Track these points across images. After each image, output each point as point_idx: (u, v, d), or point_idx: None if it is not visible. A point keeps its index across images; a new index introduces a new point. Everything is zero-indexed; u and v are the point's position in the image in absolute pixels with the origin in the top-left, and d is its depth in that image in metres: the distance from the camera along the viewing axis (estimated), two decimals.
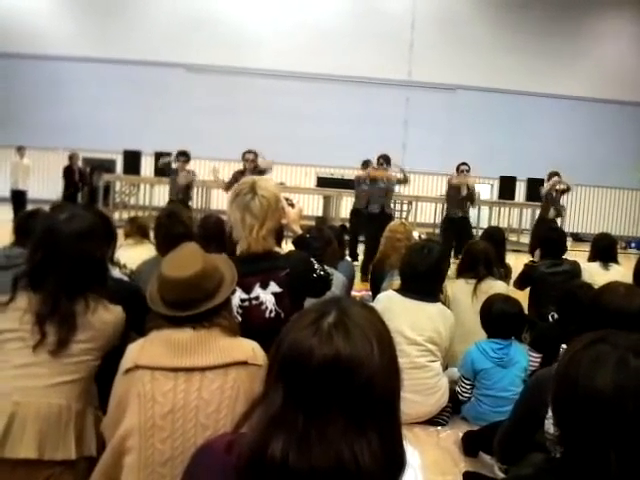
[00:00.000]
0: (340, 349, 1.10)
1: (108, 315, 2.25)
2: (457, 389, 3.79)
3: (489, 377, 3.67)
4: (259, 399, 1.21)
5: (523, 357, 3.78)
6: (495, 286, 4.42)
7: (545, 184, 11.45)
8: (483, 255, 4.60)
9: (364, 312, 1.21)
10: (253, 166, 9.22)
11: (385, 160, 9.26)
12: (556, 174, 11.14)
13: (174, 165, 10.94)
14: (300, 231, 2.87)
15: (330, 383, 1.09)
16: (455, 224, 9.68)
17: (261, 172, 9.14)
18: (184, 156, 10.92)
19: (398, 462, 1.17)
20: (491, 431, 2.90)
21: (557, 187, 11.08)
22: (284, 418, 1.11)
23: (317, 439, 1.08)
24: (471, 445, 3.31)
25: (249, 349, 1.95)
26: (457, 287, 4.47)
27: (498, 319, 3.79)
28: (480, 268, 4.48)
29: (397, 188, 10.89)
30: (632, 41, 19.37)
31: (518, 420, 2.37)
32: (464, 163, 10.01)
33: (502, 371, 3.66)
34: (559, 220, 11.64)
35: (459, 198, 9.83)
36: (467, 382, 3.75)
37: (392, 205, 10.62)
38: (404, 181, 9.78)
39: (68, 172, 14.66)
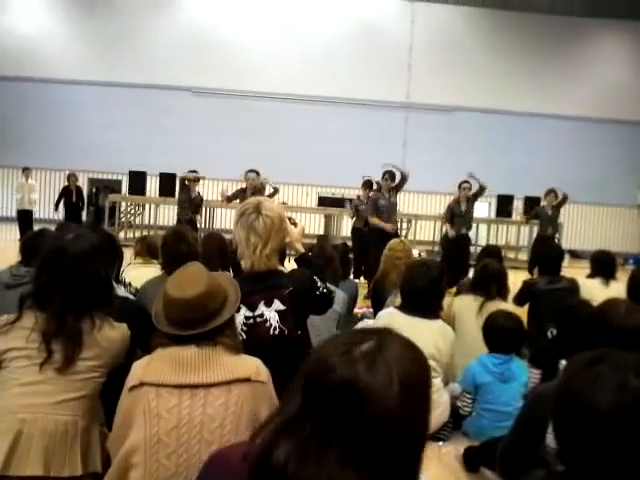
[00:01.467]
0: (358, 376, 1.09)
1: (114, 333, 2.27)
2: (458, 403, 3.81)
3: (490, 391, 3.70)
4: (278, 408, 1.22)
5: (523, 373, 3.79)
6: (501, 306, 4.43)
7: (542, 202, 11.46)
8: (496, 276, 4.61)
9: (403, 352, 1.17)
10: (254, 185, 9.33)
11: (390, 177, 9.24)
12: (552, 191, 11.14)
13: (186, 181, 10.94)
14: (303, 250, 2.90)
15: (341, 406, 1.08)
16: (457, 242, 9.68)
17: (260, 190, 9.25)
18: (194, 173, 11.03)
19: None
20: (492, 446, 2.90)
21: (553, 203, 11.06)
22: (294, 426, 1.12)
23: (315, 456, 1.07)
24: (472, 460, 3.31)
25: (253, 366, 1.96)
26: (463, 303, 4.49)
27: (499, 334, 3.83)
28: (492, 288, 4.50)
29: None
30: (628, 60, 19.55)
31: (519, 435, 2.37)
32: (466, 181, 10.11)
33: (503, 386, 3.69)
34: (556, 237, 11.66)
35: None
36: (468, 396, 3.77)
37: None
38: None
39: (65, 192, 14.71)
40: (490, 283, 4.53)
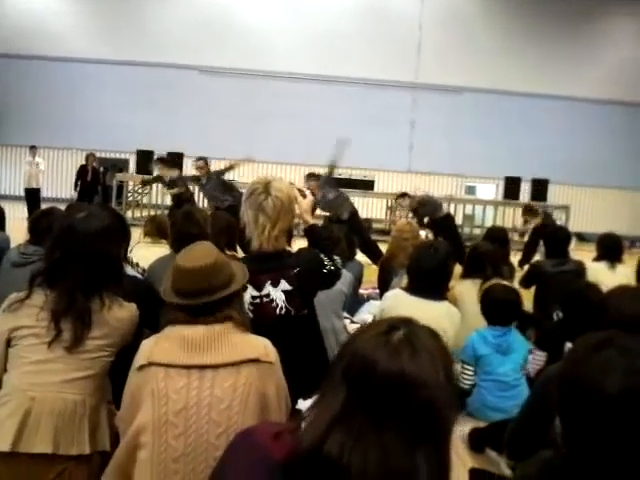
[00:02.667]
0: (405, 366, 1.13)
1: (123, 312, 2.28)
2: (459, 377, 3.81)
3: (489, 363, 3.74)
4: (317, 400, 1.24)
5: (522, 345, 3.85)
6: None
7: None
8: (489, 255, 4.63)
9: (431, 336, 1.24)
10: (205, 172, 9.65)
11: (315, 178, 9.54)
12: (529, 209, 10.83)
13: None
14: (312, 221, 2.90)
15: (391, 397, 1.12)
16: None
17: (222, 173, 9.47)
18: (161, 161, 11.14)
19: (445, 477, 1.19)
20: (498, 428, 2.93)
21: (527, 226, 10.66)
22: (344, 419, 1.14)
23: (374, 444, 1.10)
24: (478, 441, 3.33)
25: (261, 347, 1.96)
26: (464, 287, 4.49)
27: (496, 306, 3.89)
28: (487, 269, 4.51)
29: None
30: (635, 42, 19.31)
31: (528, 417, 2.38)
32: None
33: (501, 357, 3.74)
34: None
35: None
36: (469, 368, 3.79)
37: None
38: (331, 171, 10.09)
39: (81, 171, 14.79)
40: (484, 264, 4.55)
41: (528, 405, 2.42)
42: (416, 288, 3.82)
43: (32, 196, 13.80)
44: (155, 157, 10.95)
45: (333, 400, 1.17)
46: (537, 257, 8.62)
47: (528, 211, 10.88)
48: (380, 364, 1.14)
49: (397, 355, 1.15)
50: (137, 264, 3.56)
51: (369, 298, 5.71)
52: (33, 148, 14.26)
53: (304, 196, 2.90)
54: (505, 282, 4.61)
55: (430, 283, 3.82)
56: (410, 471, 1.11)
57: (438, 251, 3.89)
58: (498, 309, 3.89)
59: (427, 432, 1.13)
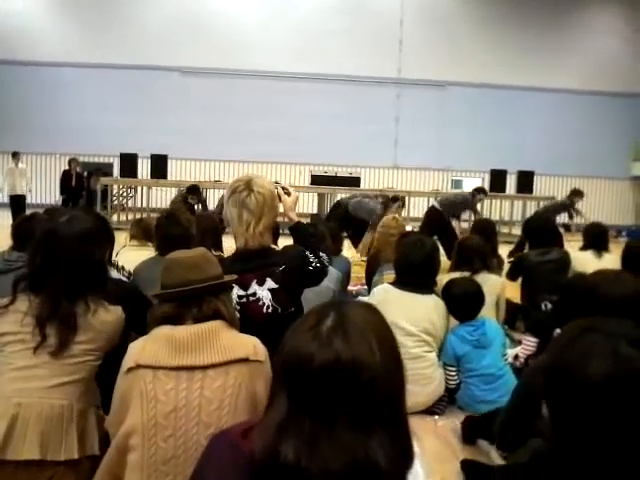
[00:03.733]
0: (340, 352, 1.11)
1: (108, 316, 2.27)
2: (445, 377, 3.82)
3: (471, 360, 3.74)
4: (268, 402, 1.23)
5: (499, 334, 3.86)
6: (490, 279, 4.49)
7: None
8: (477, 248, 4.65)
9: (363, 313, 1.22)
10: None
11: None
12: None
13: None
14: (297, 218, 2.90)
15: (333, 386, 1.11)
16: None
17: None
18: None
19: (408, 456, 1.19)
20: (490, 419, 2.94)
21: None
22: (291, 423, 1.13)
23: (327, 441, 1.10)
24: (470, 433, 3.34)
25: (250, 345, 1.95)
26: None
27: (458, 301, 3.89)
28: (475, 261, 4.53)
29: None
30: (620, 32, 19.42)
31: (516, 407, 2.39)
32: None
33: (482, 351, 3.74)
34: None
35: None
36: (451, 369, 3.80)
37: None
38: None
39: (65, 177, 14.70)
40: (472, 257, 4.56)
41: (516, 395, 2.43)
42: (404, 282, 3.83)
43: (17, 202, 13.66)
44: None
45: (279, 404, 1.17)
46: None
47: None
48: (315, 357, 1.12)
49: (329, 343, 1.13)
50: (122, 267, 3.54)
51: (357, 294, 5.71)
52: (16, 154, 14.11)
53: (288, 194, 2.90)
54: (493, 275, 4.64)
55: (418, 277, 3.83)
56: (369, 459, 1.10)
57: (425, 245, 3.90)
58: (461, 304, 3.90)
59: (377, 416, 1.12)
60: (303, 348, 1.14)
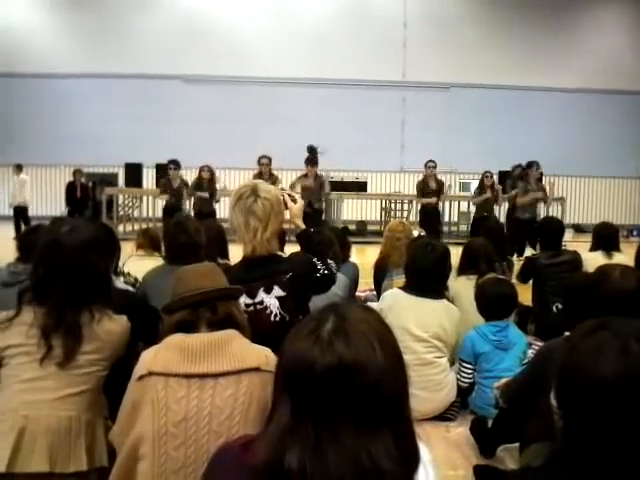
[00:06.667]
0: (342, 355, 1.10)
1: (113, 325, 2.26)
2: (457, 376, 3.77)
3: (489, 360, 3.69)
4: (271, 411, 1.21)
5: (521, 339, 3.82)
6: None
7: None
8: (482, 251, 4.62)
9: (363, 314, 1.21)
10: (268, 170, 9.63)
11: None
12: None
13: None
14: (303, 225, 2.89)
15: (336, 390, 1.10)
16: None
17: (274, 181, 9.49)
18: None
19: (414, 458, 1.17)
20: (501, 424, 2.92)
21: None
22: (295, 429, 1.12)
23: (331, 446, 1.09)
24: (486, 442, 3.22)
25: (262, 355, 1.94)
26: (459, 284, 4.48)
27: (491, 301, 3.85)
28: (481, 264, 4.50)
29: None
30: (623, 30, 19.35)
31: (524, 383, 2.51)
32: (431, 160, 11.85)
33: (501, 353, 3.69)
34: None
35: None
36: (468, 366, 3.74)
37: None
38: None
39: (70, 188, 14.75)
40: (478, 260, 4.53)
41: (525, 373, 2.59)
42: (414, 287, 3.80)
43: (20, 214, 13.73)
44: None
45: (280, 411, 1.16)
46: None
47: None
48: (317, 362, 1.11)
49: (331, 347, 1.12)
50: (128, 273, 3.54)
51: (366, 300, 5.69)
52: (19, 167, 14.19)
53: (294, 201, 2.90)
54: (500, 277, 4.60)
55: (428, 281, 3.80)
56: (374, 464, 1.09)
57: (435, 249, 3.87)
58: (494, 304, 3.85)
59: (382, 417, 1.11)
60: (305, 353, 1.13)
